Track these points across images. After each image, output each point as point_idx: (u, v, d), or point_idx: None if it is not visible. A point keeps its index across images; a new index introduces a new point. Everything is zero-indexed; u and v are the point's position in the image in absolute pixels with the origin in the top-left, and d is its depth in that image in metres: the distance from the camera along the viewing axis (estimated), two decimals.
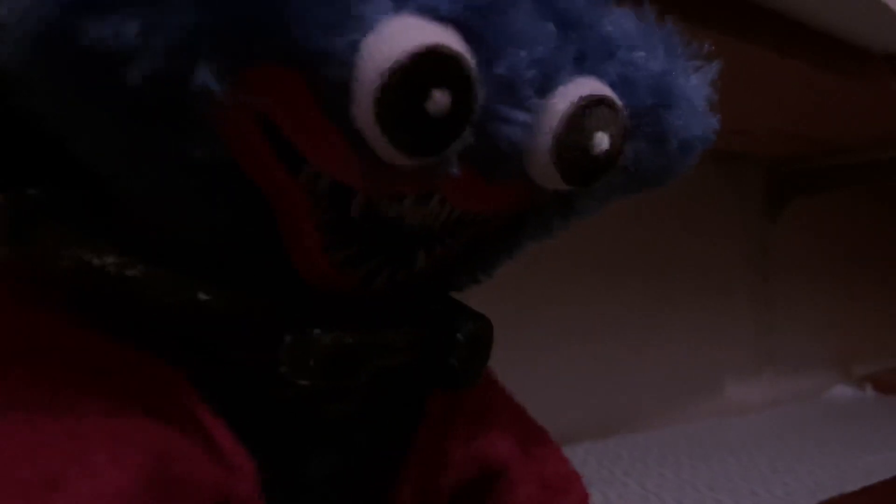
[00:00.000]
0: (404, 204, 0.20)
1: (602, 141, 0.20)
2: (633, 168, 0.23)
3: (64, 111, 0.18)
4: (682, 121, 0.23)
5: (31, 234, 0.20)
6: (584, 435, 0.75)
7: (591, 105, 0.19)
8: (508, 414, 0.29)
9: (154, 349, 0.19)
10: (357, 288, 0.21)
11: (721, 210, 0.99)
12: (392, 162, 0.17)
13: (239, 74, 0.16)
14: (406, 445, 0.25)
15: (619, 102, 0.20)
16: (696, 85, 0.23)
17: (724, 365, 0.96)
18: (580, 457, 0.69)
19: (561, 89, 0.19)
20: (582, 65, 0.20)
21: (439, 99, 0.16)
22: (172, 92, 0.16)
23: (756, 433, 0.81)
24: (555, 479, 0.29)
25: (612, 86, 0.20)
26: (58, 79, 0.16)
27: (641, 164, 0.23)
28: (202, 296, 0.19)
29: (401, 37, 0.16)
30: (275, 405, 0.21)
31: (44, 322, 0.19)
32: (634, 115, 0.21)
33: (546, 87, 0.19)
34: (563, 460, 0.30)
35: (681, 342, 0.91)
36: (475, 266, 0.25)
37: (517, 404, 0.30)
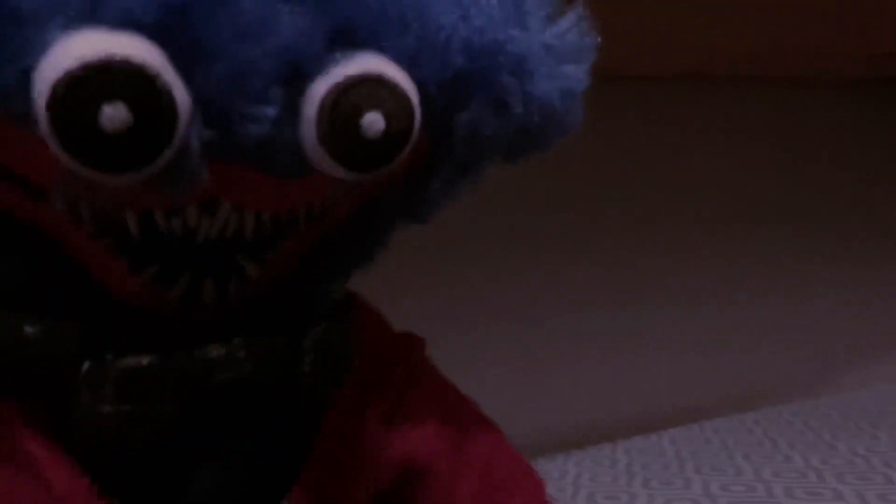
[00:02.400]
0: (188, 216, 0.19)
1: (374, 122, 0.18)
2: (473, 136, 0.21)
3: None
4: (519, 78, 0.21)
5: None
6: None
7: (353, 85, 0.18)
8: (433, 403, 0.27)
9: None
10: (183, 306, 0.21)
11: (877, 145, 0.89)
12: (94, 180, 0.17)
13: None
14: (307, 452, 0.24)
15: (390, 75, 0.19)
16: (540, 37, 0.21)
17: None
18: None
19: (325, 72, 0.18)
20: (353, 41, 0.18)
21: (111, 114, 0.16)
22: None
23: None
24: (499, 473, 0.27)
25: (411, 59, 0.19)
26: None
27: (486, 130, 0.21)
28: (28, 328, 0.20)
29: (66, 53, 0.15)
30: (87, 430, 0.20)
31: None
32: (447, 83, 0.20)
33: (300, 74, 0.18)
34: (507, 450, 0.28)
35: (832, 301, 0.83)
36: (341, 260, 0.24)
37: (447, 391, 0.29)
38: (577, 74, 0.22)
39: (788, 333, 0.81)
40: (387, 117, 0.19)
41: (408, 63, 0.19)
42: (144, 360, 0.20)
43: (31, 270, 0.20)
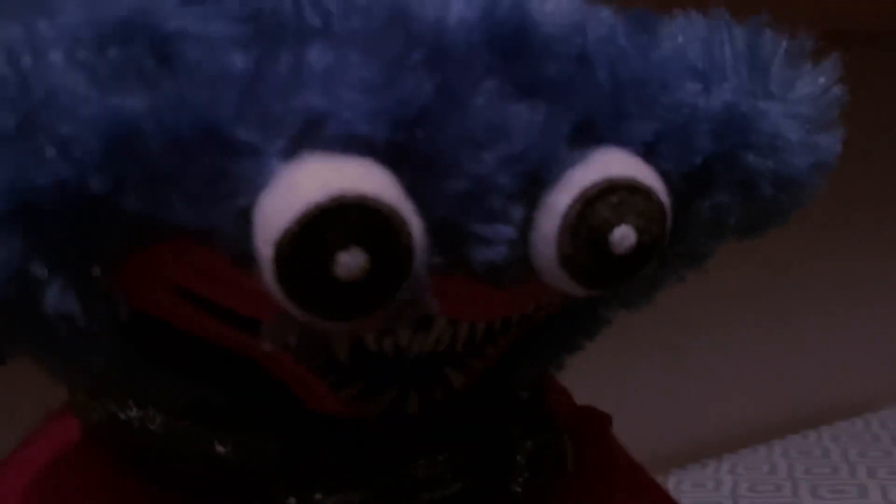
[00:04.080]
0: (400, 336, 0.17)
1: (625, 237, 0.16)
2: (718, 222, 0.18)
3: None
4: (771, 158, 0.18)
5: (73, 388, 0.20)
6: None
7: (600, 194, 0.15)
8: (626, 493, 0.25)
9: (180, 499, 0.19)
10: (385, 415, 0.19)
11: None
12: (317, 325, 0.15)
13: (112, 271, 0.14)
14: None
15: (643, 180, 0.16)
16: (790, 106, 0.18)
17: None
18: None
19: (564, 178, 0.15)
20: (594, 134, 0.16)
21: (347, 262, 0.13)
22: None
23: None
24: None
25: (650, 146, 0.16)
26: None
27: (730, 217, 0.18)
28: (219, 448, 0.18)
29: (293, 193, 0.13)
30: None
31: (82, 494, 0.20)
32: (694, 171, 0.17)
33: (536, 182, 0.15)
34: None
35: None
36: (542, 357, 0.22)
37: (636, 474, 0.27)
38: (830, 145, 0.19)
39: None
40: (638, 229, 0.16)
41: (647, 152, 0.16)
42: (356, 499, 0.18)
43: (230, 392, 0.19)
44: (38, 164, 0.12)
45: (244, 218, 0.13)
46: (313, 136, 0.13)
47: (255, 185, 0.13)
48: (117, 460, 0.20)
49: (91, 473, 0.20)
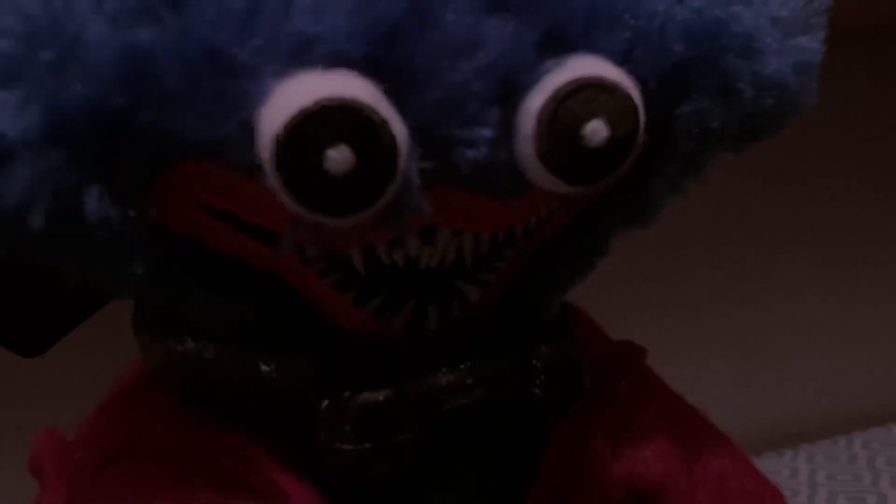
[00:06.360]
0: (409, 246, 0.19)
1: (597, 131, 0.17)
2: (699, 129, 0.20)
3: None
4: (747, 60, 0.19)
5: (140, 337, 0.23)
6: None
7: (571, 93, 0.17)
8: (662, 419, 0.26)
9: (238, 425, 0.21)
10: (409, 332, 0.21)
11: None
12: (322, 223, 0.17)
13: (145, 187, 0.17)
14: (533, 475, 0.23)
15: (611, 78, 0.17)
16: (765, 8, 0.19)
17: None
18: None
19: (540, 83, 0.17)
20: (565, 43, 0.17)
21: (335, 157, 0.15)
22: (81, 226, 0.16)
23: None
24: (735, 491, 0.25)
25: (625, 54, 0.18)
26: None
27: (713, 121, 0.20)
28: (263, 367, 0.20)
29: (283, 102, 0.15)
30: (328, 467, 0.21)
31: (147, 424, 0.22)
32: (667, 75, 0.18)
33: (512, 88, 0.17)
34: (743, 465, 0.26)
35: None
36: (559, 272, 0.23)
37: (674, 403, 0.27)
38: (811, 45, 0.20)
39: None
40: (610, 123, 0.17)
41: (622, 59, 0.18)
42: (381, 396, 0.20)
43: (262, 309, 0.21)
44: (70, 89, 0.15)
45: (247, 129, 0.16)
46: (303, 56, 0.16)
47: (255, 100, 0.16)
48: (177, 393, 0.22)
49: (155, 406, 0.22)
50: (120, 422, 0.23)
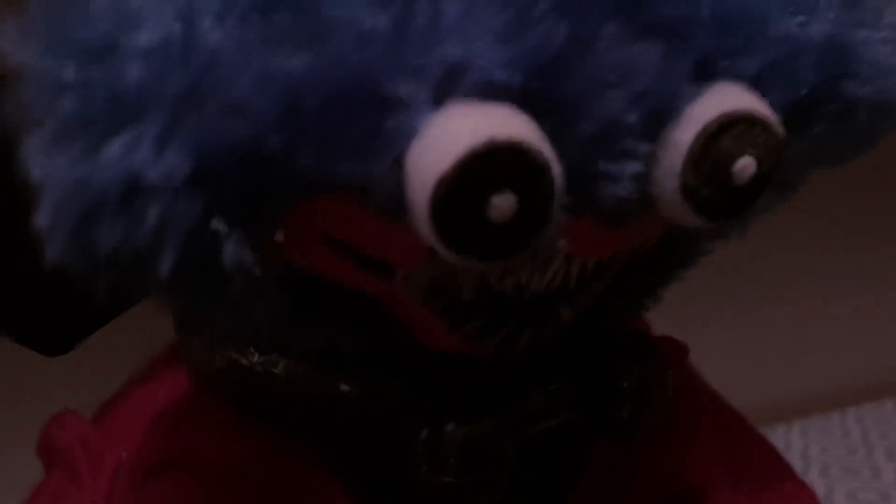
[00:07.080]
0: (520, 274, 0.18)
1: (746, 168, 0.16)
2: (815, 152, 0.19)
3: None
4: (870, 85, 0.18)
5: (188, 340, 0.22)
6: None
7: (724, 127, 0.16)
8: (705, 419, 0.26)
9: (304, 443, 0.20)
10: (497, 353, 0.20)
11: None
12: (466, 265, 0.15)
13: (270, 229, 0.15)
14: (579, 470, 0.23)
15: (761, 112, 0.16)
16: (884, 33, 0.18)
17: None
18: None
19: (684, 113, 0.16)
20: (709, 70, 0.16)
21: (500, 205, 0.14)
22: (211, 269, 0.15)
23: None
24: (778, 498, 0.25)
25: (757, 80, 0.17)
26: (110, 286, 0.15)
27: (827, 147, 0.19)
28: (343, 387, 0.20)
29: (446, 140, 0.14)
30: (425, 498, 0.20)
31: (206, 434, 0.21)
32: (797, 103, 0.17)
33: (660, 119, 0.16)
34: (789, 474, 0.26)
35: None
36: (641, 290, 0.23)
37: (716, 403, 0.27)
38: None
39: None
40: (757, 159, 0.16)
41: (753, 87, 0.17)
42: (484, 427, 0.19)
43: (346, 331, 0.20)
44: (216, 127, 0.13)
45: (396, 167, 0.14)
46: (453, 85, 0.14)
47: (406, 135, 0.14)
48: (237, 405, 0.21)
49: (214, 416, 0.21)
50: (174, 428, 0.22)
